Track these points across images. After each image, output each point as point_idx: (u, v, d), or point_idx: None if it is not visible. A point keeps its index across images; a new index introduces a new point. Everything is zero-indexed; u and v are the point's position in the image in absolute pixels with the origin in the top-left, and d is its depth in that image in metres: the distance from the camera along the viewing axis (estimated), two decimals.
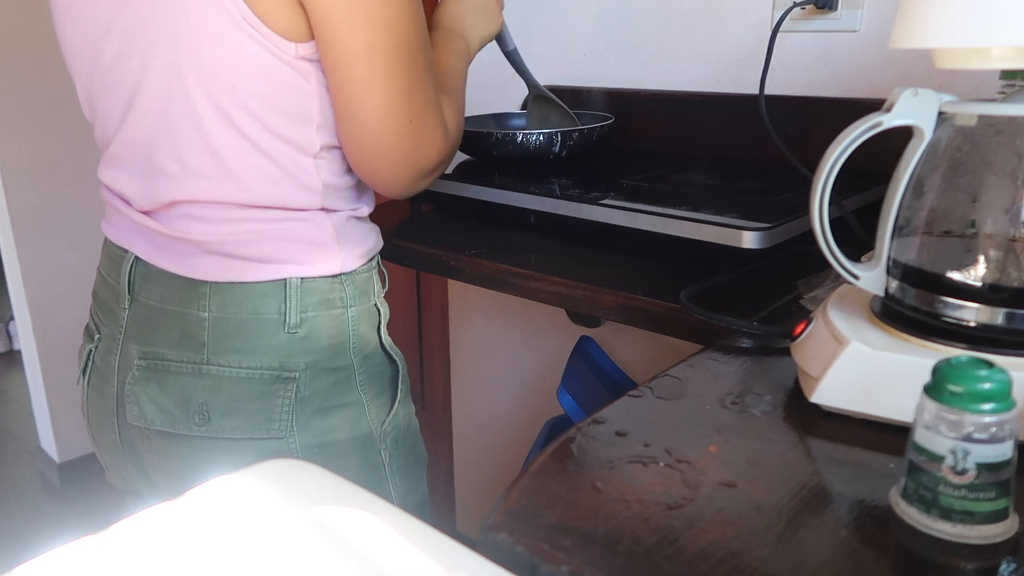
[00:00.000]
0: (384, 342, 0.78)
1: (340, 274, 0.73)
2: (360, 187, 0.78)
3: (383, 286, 0.79)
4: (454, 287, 1.70)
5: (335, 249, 0.73)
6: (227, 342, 0.70)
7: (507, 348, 1.61)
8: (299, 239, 0.71)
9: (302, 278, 0.71)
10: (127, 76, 0.69)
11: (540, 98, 1.16)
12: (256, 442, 0.71)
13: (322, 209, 0.73)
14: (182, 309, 0.71)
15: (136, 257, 0.74)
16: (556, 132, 1.05)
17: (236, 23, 0.63)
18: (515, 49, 1.06)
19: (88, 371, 0.80)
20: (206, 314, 0.70)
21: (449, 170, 0.77)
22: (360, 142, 0.69)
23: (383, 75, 0.65)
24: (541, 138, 1.04)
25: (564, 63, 1.37)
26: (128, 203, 0.74)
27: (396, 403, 0.79)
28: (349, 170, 0.75)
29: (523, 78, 1.11)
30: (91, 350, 0.79)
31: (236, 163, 0.68)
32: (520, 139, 1.04)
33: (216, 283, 0.70)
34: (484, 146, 1.07)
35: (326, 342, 0.73)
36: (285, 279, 0.71)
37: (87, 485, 2.33)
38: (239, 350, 0.70)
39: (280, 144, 0.69)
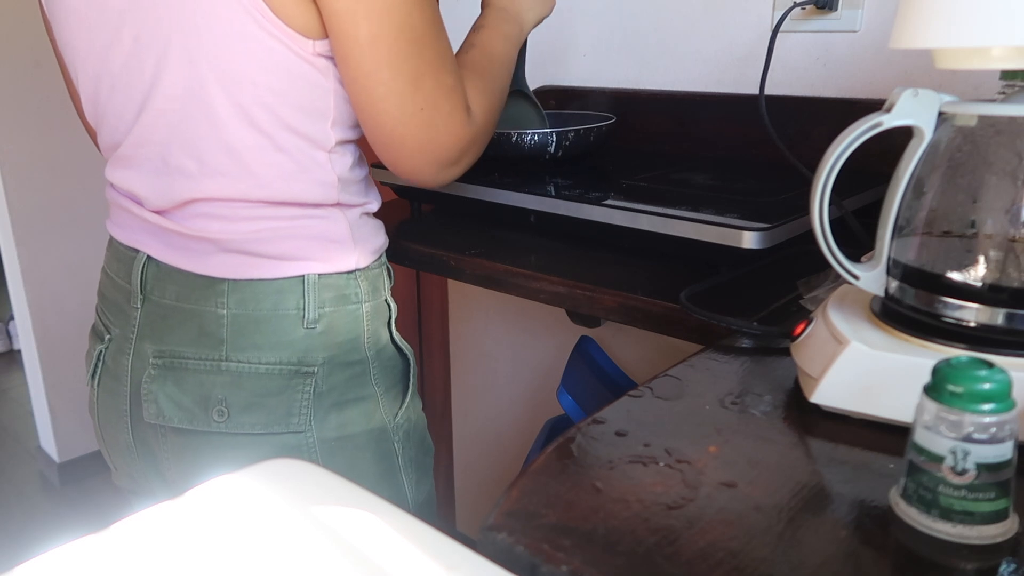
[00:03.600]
0: (394, 336, 0.79)
1: (355, 270, 0.74)
2: (368, 182, 0.79)
3: (390, 282, 0.80)
4: (454, 287, 1.70)
5: (350, 245, 0.74)
6: (246, 338, 0.71)
7: (507, 348, 1.61)
8: (316, 236, 0.72)
9: (319, 274, 0.72)
10: (140, 77, 0.69)
11: (519, 95, 1.13)
12: (276, 436, 0.72)
13: (337, 205, 0.73)
14: (199, 307, 0.71)
15: (148, 256, 0.74)
16: (551, 132, 1.03)
17: (255, 20, 0.64)
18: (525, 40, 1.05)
19: (98, 372, 0.80)
20: (224, 311, 0.71)
21: None
22: (374, 133, 0.70)
23: (387, 65, 0.66)
24: (536, 138, 1.03)
25: (564, 63, 1.36)
26: (139, 203, 0.75)
27: (407, 396, 0.80)
28: (359, 164, 0.76)
29: (516, 69, 1.09)
30: (101, 351, 0.79)
31: (253, 159, 0.69)
32: (515, 139, 1.03)
33: (234, 280, 0.71)
34: None
35: (342, 337, 0.73)
36: (303, 275, 0.71)
37: (87, 485, 2.33)
38: (258, 346, 0.71)
39: (297, 140, 0.69)
